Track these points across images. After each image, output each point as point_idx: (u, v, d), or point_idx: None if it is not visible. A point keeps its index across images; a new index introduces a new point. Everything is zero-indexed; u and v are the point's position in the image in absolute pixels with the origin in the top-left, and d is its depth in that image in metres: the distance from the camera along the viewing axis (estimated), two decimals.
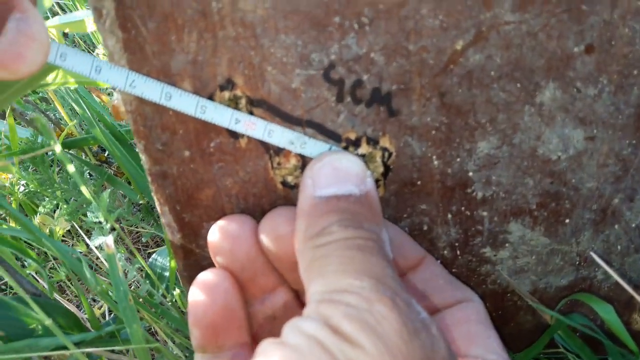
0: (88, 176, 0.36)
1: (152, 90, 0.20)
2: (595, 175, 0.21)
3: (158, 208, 0.24)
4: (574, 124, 0.20)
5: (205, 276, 0.21)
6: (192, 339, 0.21)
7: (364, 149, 0.22)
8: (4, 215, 0.40)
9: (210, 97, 0.21)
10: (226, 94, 0.21)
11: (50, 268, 0.36)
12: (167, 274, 0.30)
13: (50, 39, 0.20)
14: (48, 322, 0.23)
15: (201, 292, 0.21)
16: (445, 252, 0.24)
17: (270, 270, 0.22)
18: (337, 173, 0.20)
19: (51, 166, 0.35)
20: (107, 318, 0.31)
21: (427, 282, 0.22)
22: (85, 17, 0.27)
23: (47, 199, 0.34)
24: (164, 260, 0.30)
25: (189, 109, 0.21)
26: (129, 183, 0.37)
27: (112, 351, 0.25)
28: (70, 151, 0.36)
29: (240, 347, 0.21)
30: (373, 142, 0.22)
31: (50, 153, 0.37)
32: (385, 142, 0.22)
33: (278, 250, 0.21)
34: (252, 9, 0.19)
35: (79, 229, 0.34)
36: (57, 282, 0.33)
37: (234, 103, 0.21)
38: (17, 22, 0.18)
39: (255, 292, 0.22)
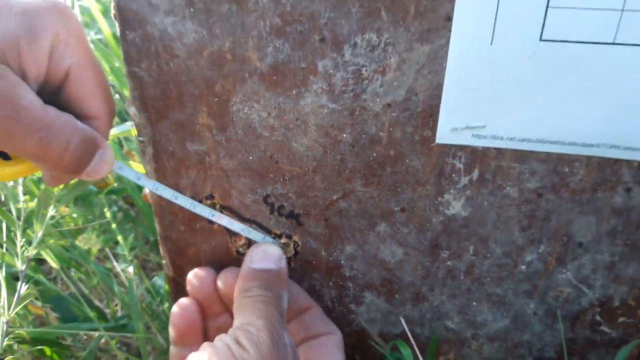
0: (120, 214, 0.51)
1: (167, 193, 0.36)
2: (411, 274, 0.36)
3: (162, 253, 0.40)
4: (397, 245, 0.35)
5: (182, 300, 0.36)
6: (170, 336, 0.36)
7: (283, 240, 0.37)
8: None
9: (200, 201, 0.36)
10: (208, 202, 0.36)
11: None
12: (162, 291, 0.44)
13: (115, 159, 0.35)
14: (89, 312, 0.38)
15: (178, 308, 0.36)
16: (329, 303, 0.39)
17: (221, 302, 0.37)
18: (264, 255, 0.35)
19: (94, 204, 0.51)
20: (120, 314, 0.45)
21: (311, 319, 0.37)
22: (131, 127, 0.42)
23: (89, 228, 0.49)
24: (161, 282, 0.45)
25: (186, 205, 0.36)
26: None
27: (124, 336, 0.40)
28: (111, 196, 0.51)
29: (197, 345, 0.36)
30: (288, 237, 0.37)
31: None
32: (296, 238, 0.37)
33: (226, 291, 0.36)
34: (227, 164, 0.34)
35: (107, 250, 0.49)
36: (91, 287, 0.47)
37: (212, 206, 0.36)
38: (100, 155, 0.33)
39: (210, 314, 0.37)
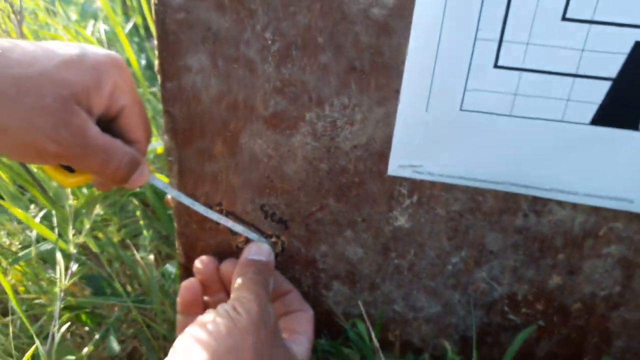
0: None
1: (187, 201, 0.47)
2: (368, 268, 0.48)
3: (177, 245, 0.50)
4: (358, 246, 0.47)
5: (189, 280, 0.47)
6: (177, 306, 0.47)
7: (273, 239, 0.48)
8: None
9: (211, 208, 0.47)
10: (217, 208, 0.47)
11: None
12: (172, 276, 0.55)
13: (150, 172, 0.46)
14: (117, 286, 0.49)
15: (185, 284, 0.47)
16: (305, 289, 0.50)
17: (220, 283, 0.47)
18: (258, 249, 0.46)
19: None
20: (138, 292, 0.56)
21: (290, 300, 0.48)
22: (158, 146, 0.53)
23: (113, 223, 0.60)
24: (172, 269, 0.56)
25: (200, 210, 0.47)
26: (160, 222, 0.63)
27: (143, 308, 0.51)
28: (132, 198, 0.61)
29: (199, 314, 0.47)
30: (277, 237, 0.48)
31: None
32: (283, 238, 0.48)
33: (226, 275, 0.47)
34: (234, 180, 0.45)
35: (128, 241, 0.59)
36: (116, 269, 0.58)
37: (220, 212, 0.47)
38: (140, 169, 0.43)
39: (210, 291, 0.47)
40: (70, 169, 0.40)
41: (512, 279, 0.46)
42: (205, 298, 0.48)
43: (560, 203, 0.41)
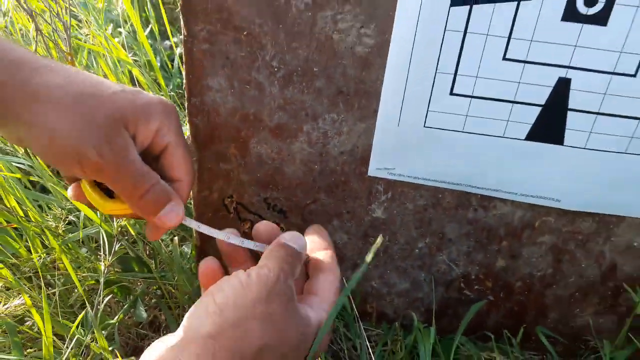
0: None
1: (208, 230, 0.55)
2: (351, 251, 0.57)
3: (194, 230, 0.59)
4: (344, 233, 0.56)
5: (207, 259, 0.55)
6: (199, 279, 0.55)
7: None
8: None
9: (223, 199, 0.56)
10: (229, 199, 0.56)
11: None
12: (188, 255, 0.64)
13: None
14: (147, 262, 0.58)
15: (204, 260, 0.53)
16: None
17: (245, 254, 0.42)
18: (293, 237, 0.38)
19: None
20: (160, 268, 0.65)
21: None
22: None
23: None
24: (187, 250, 0.64)
25: (220, 237, 0.55)
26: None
27: (165, 282, 0.59)
28: None
29: None
30: (278, 225, 0.57)
31: None
32: (282, 226, 0.56)
33: (257, 236, 0.42)
34: (243, 177, 0.54)
35: None
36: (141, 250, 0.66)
37: (231, 203, 0.56)
38: (171, 206, 0.37)
39: (234, 262, 0.42)
40: (110, 194, 0.39)
41: (466, 262, 0.55)
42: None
43: (503, 200, 0.50)
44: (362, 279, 0.58)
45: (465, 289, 0.57)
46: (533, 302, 0.56)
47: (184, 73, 0.49)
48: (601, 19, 0.40)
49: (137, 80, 0.75)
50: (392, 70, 0.45)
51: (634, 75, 0.42)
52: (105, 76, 0.72)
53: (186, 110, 0.51)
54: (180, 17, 0.46)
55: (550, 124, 0.45)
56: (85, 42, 0.68)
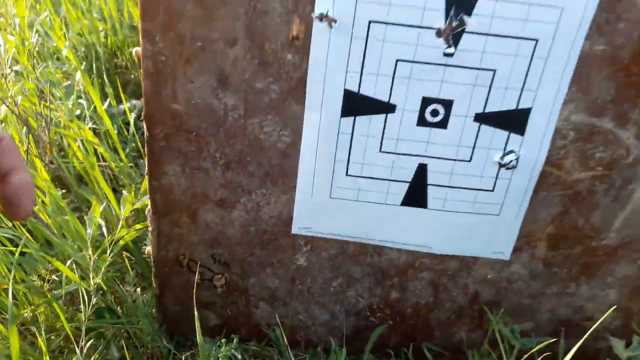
0: None
1: None
2: (283, 292, 0.72)
3: (153, 282, 0.72)
4: (275, 278, 0.71)
5: None
6: None
7: (219, 275, 0.71)
8: None
9: (177, 257, 0.69)
10: (182, 256, 0.70)
11: None
12: (149, 303, 0.76)
13: None
14: (118, 312, 0.70)
15: None
16: (241, 308, 0.74)
17: None
18: None
19: None
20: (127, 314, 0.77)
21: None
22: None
23: None
24: (148, 297, 0.77)
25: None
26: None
27: (132, 327, 0.72)
28: None
29: None
30: (222, 274, 0.71)
31: None
32: (226, 275, 0.71)
33: None
34: (195, 240, 0.68)
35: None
36: None
37: (183, 259, 0.70)
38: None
39: None
40: None
41: (369, 295, 0.71)
42: None
43: (390, 248, 0.67)
44: (291, 313, 0.73)
45: (371, 316, 0.73)
46: (421, 325, 0.73)
47: (145, 161, 0.64)
48: (442, 125, 0.58)
49: (101, 154, 0.88)
50: (304, 159, 0.61)
51: (469, 161, 0.60)
52: (74, 153, 0.84)
53: (148, 189, 0.65)
54: (144, 122, 0.61)
55: (416, 194, 0.63)
56: (57, 127, 0.80)
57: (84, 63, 1.17)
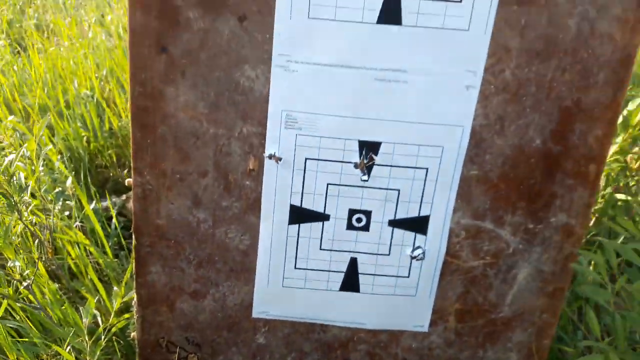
0: None
1: None
2: None
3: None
4: (244, 358, 0.85)
5: None
6: None
7: (192, 354, 0.84)
8: None
9: (157, 340, 0.83)
10: (161, 339, 0.83)
11: None
12: None
13: None
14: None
15: None
16: None
17: None
18: None
19: None
20: None
21: None
22: None
23: None
24: None
25: None
26: None
27: None
28: None
29: None
30: (195, 353, 0.84)
31: None
32: (198, 354, 0.84)
33: None
34: (172, 325, 0.82)
35: None
36: None
37: (162, 340, 0.83)
38: None
39: None
40: None
41: None
42: None
43: (333, 326, 0.83)
44: None
45: None
46: None
47: (132, 261, 0.79)
48: (366, 228, 0.76)
49: (90, 250, 1.02)
50: (261, 257, 0.77)
51: (388, 255, 0.77)
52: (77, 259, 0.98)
53: (134, 284, 0.80)
54: (133, 233, 0.76)
55: (351, 281, 0.79)
56: (55, 232, 0.94)
57: (70, 165, 1.32)
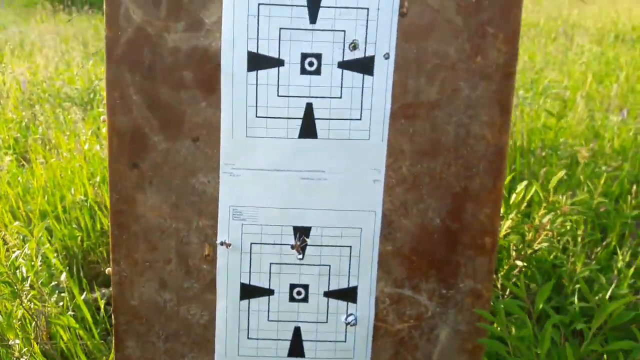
0: None
1: None
2: None
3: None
4: None
5: None
6: None
7: None
8: None
9: None
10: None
11: None
12: None
13: None
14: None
15: None
16: None
17: None
18: None
19: None
20: None
21: None
22: None
23: None
24: None
25: None
26: None
27: None
28: None
29: None
30: None
31: None
32: None
33: None
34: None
35: None
36: None
37: None
38: None
39: None
40: None
41: None
42: None
43: None
44: None
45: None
46: None
47: (112, 338, 0.92)
48: (305, 300, 0.90)
49: (80, 334, 1.15)
50: (219, 330, 0.91)
51: (326, 322, 0.91)
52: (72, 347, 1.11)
53: (115, 358, 0.92)
54: (112, 313, 0.90)
55: (297, 347, 0.92)
56: (50, 318, 1.08)
57: (65, 261, 1.47)
